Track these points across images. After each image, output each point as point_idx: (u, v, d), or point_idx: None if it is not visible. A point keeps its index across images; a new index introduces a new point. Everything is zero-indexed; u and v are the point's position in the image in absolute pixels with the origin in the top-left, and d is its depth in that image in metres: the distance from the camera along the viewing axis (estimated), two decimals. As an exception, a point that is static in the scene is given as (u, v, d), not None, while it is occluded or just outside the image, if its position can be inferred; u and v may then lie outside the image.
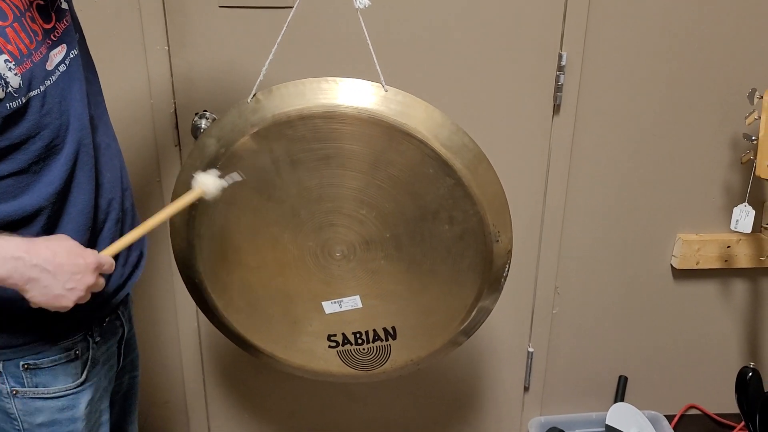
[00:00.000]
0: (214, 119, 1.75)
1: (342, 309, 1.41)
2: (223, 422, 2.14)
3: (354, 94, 1.26)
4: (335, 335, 1.45)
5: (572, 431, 2.16)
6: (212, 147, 1.29)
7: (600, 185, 1.97)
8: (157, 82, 1.75)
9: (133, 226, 1.27)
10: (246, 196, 1.31)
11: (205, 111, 1.77)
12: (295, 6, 1.25)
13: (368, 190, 1.30)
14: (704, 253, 2.04)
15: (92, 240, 1.19)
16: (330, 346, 1.46)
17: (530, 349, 2.13)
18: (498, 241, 1.35)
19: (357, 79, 1.27)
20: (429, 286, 1.39)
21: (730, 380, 1.86)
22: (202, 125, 1.74)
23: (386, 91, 1.27)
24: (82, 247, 1.06)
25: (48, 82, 1.07)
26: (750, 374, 1.81)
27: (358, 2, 1.23)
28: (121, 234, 1.25)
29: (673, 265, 2.07)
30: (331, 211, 1.32)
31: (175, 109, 1.78)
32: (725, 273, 2.10)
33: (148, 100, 1.76)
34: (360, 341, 1.45)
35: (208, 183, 1.22)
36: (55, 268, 1.01)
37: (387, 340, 1.45)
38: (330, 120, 1.25)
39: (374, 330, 1.44)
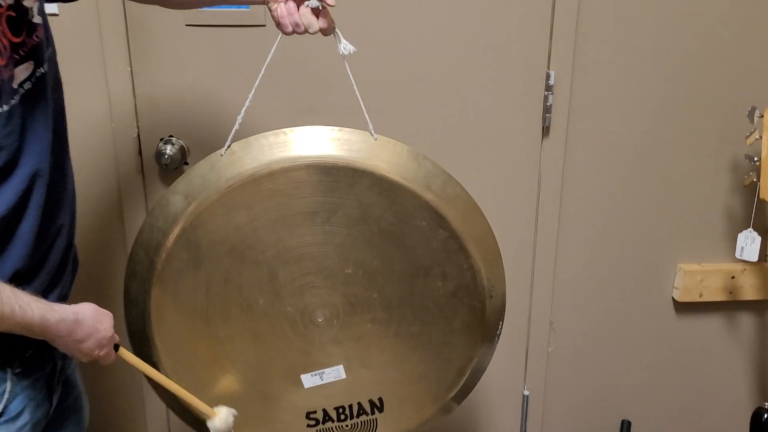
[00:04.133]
0: (181, 146, 1.76)
1: (323, 381, 1.40)
2: None
3: (341, 144, 1.28)
4: (315, 412, 1.43)
5: None
6: (178, 204, 1.29)
7: (594, 213, 1.99)
8: (118, 105, 1.75)
9: (74, 254, 1.33)
10: (217, 258, 1.30)
11: (171, 136, 1.77)
12: (273, 47, 1.26)
13: (355, 247, 1.31)
14: (707, 285, 2.04)
15: (36, 268, 1.19)
16: (309, 425, 1.44)
17: (525, 392, 2.13)
18: (492, 296, 1.38)
19: (343, 128, 1.29)
20: (419, 350, 1.40)
21: (742, 422, 1.88)
22: (168, 151, 1.75)
23: (375, 139, 1.30)
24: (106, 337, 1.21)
25: (13, 101, 1.06)
26: (766, 416, 1.82)
27: (342, 49, 1.27)
28: (65, 260, 1.26)
29: (675, 298, 2.08)
30: (313, 271, 1.32)
31: (138, 134, 1.78)
32: (731, 306, 2.11)
33: (109, 124, 1.76)
34: (343, 417, 1.44)
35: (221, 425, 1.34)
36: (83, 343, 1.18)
37: (373, 413, 1.44)
38: (314, 172, 1.27)
39: (359, 403, 1.43)
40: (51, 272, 1.21)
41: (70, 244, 1.28)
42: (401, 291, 1.35)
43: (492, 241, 1.39)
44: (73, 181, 1.29)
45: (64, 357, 1.31)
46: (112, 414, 1.95)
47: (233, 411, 1.34)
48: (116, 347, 1.26)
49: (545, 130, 1.88)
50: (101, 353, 1.21)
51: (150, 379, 1.34)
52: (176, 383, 1.33)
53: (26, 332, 1.09)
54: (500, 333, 1.43)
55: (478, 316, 1.39)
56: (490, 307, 1.39)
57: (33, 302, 1.09)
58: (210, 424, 1.33)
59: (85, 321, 1.17)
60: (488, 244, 1.38)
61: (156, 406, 1.98)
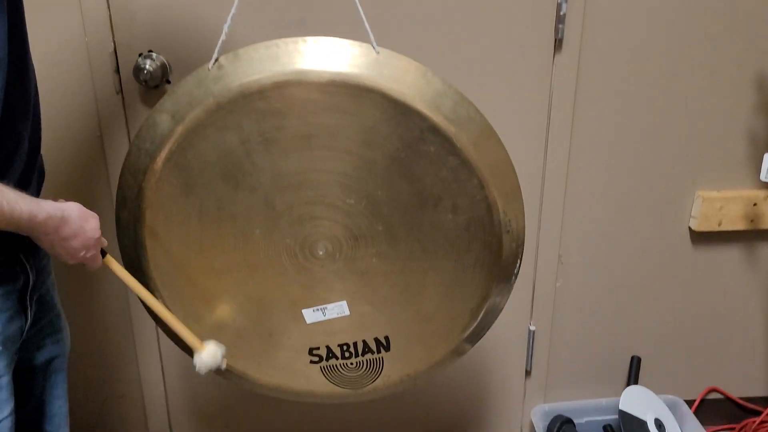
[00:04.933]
0: (162, 62, 1.69)
1: (326, 317, 1.36)
2: (185, 417, 2.13)
3: (338, 58, 1.19)
4: (318, 349, 1.41)
5: (580, 419, 2.13)
6: (165, 124, 1.23)
7: (607, 136, 1.92)
8: (92, 17, 1.68)
9: (39, 164, 1.31)
10: (209, 184, 1.25)
11: (151, 51, 1.69)
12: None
13: (357, 175, 1.24)
14: (727, 213, 1.99)
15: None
16: (312, 362, 1.42)
17: (531, 328, 2.10)
18: (509, 231, 1.30)
19: (341, 39, 1.20)
20: (428, 288, 1.34)
21: (758, 360, 1.86)
22: (147, 66, 1.67)
23: (378, 53, 1.20)
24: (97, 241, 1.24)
25: None
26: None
27: None
28: (30, 168, 1.24)
29: (692, 228, 2.03)
30: (312, 201, 1.27)
31: (115, 49, 1.71)
32: (752, 235, 2.06)
33: (82, 39, 1.68)
34: (347, 355, 1.41)
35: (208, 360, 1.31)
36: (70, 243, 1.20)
37: (379, 352, 1.41)
38: (310, 89, 1.18)
39: (364, 341, 1.40)
40: (13, 182, 1.18)
41: (34, 153, 1.26)
42: (408, 224, 1.28)
43: (509, 170, 1.29)
44: (35, 87, 1.26)
45: (38, 272, 1.30)
46: (96, 341, 1.96)
47: (223, 348, 1.31)
48: (103, 254, 1.27)
49: (557, 44, 1.79)
50: (87, 255, 1.23)
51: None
52: (165, 307, 1.31)
53: (13, 228, 1.10)
54: (518, 272, 1.35)
55: (493, 253, 1.31)
56: (507, 244, 1.30)
57: (20, 198, 1.10)
58: (197, 357, 1.29)
59: (72, 219, 1.19)
60: (505, 173, 1.28)
61: (146, 329, 2.00)
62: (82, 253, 1.22)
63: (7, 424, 1.20)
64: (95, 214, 1.23)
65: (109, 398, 2.04)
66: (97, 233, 1.23)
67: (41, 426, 1.38)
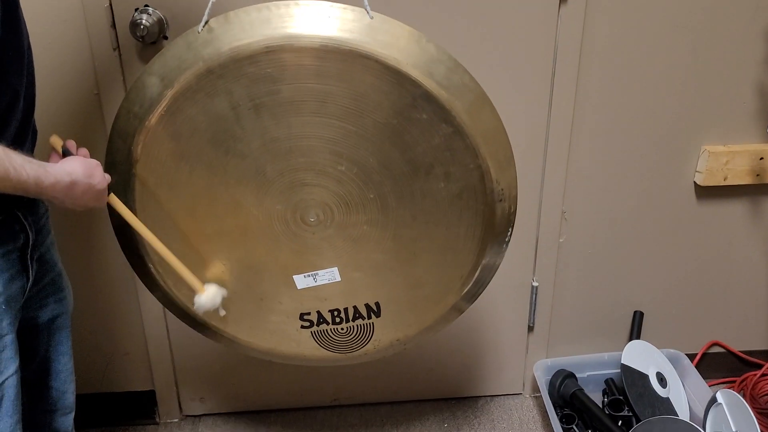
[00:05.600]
0: (159, 17, 1.65)
1: (317, 283, 1.35)
2: (190, 374, 2.13)
3: (331, 22, 1.17)
4: (309, 314, 1.39)
5: (583, 374, 2.14)
6: (154, 87, 1.21)
7: (613, 90, 1.87)
8: None
9: (33, 125, 1.30)
10: (200, 149, 1.23)
11: (147, 6, 1.65)
12: None
13: (348, 142, 1.22)
14: (733, 167, 1.95)
15: None
16: (303, 327, 1.40)
17: (534, 284, 2.08)
18: (502, 200, 1.27)
19: (335, 3, 1.18)
20: (420, 255, 1.33)
21: (759, 314, 1.83)
22: (144, 22, 1.63)
23: (371, 18, 1.17)
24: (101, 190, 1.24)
25: None
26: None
27: None
28: (24, 130, 1.23)
29: (697, 182, 2.00)
30: (303, 167, 1.24)
31: (110, 3, 1.66)
32: (757, 190, 2.03)
33: None
34: (338, 320, 1.39)
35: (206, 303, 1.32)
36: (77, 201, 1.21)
37: (369, 317, 1.40)
38: (301, 54, 1.16)
39: (354, 307, 1.38)
40: (9, 139, 1.18)
41: (29, 111, 1.25)
42: (400, 191, 1.26)
43: (503, 139, 1.25)
44: (29, 44, 1.24)
45: (37, 231, 1.30)
46: (100, 300, 1.96)
47: (223, 291, 1.31)
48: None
49: (563, -5, 1.74)
50: (96, 203, 1.25)
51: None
52: (166, 248, 1.30)
53: (20, 192, 1.11)
54: (509, 240, 1.32)
55: (485, 221, 1.29)
56: (500, 212, 1.28)
57: (27, 164, 1.09)
58: (196, 299, 1.30)
59: (79, 180, 1.19)
60: (499, 142, 1.25)
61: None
62: (92, 204, 1.23)
63: (13, 381, 1.20)
64: (97, 163, 1.23)
65: (114, 356, 2.04)
66: (104, 182, 1.24)
67: (48, 383, 1.39)
